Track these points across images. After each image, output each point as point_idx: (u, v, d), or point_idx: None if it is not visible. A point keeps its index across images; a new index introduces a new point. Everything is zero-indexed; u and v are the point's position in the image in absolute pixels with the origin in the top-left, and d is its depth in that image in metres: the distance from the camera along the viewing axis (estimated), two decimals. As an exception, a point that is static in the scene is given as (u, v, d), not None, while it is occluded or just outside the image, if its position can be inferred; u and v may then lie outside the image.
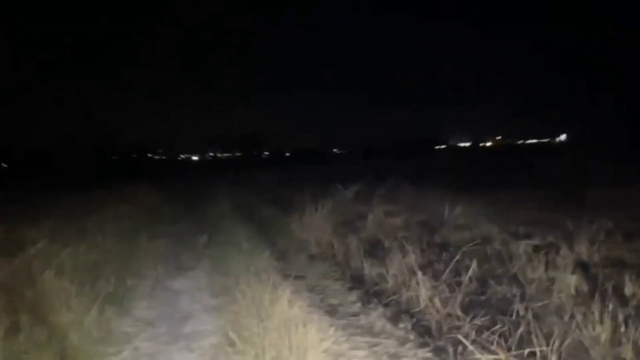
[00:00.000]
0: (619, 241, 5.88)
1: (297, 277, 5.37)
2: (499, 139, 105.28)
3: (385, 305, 4.47)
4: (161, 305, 5.05)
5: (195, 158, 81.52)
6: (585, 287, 4.17)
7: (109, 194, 15.26)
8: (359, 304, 4.63)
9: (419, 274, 4.48)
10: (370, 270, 5.13)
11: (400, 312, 4.28)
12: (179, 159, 77.79)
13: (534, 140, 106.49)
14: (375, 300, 4.64)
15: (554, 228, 6.75)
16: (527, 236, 6.42)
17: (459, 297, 4.04)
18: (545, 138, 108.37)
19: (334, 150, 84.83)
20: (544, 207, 8.85)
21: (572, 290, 4.09)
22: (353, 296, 4.88)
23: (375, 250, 6.09)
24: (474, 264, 4.53)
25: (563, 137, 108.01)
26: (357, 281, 5.27)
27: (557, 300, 3.87)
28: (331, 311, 4.47)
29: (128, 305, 4.93)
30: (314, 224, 7.81)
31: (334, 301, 4.79)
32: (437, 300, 4.06)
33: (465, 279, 4.35)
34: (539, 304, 3.79)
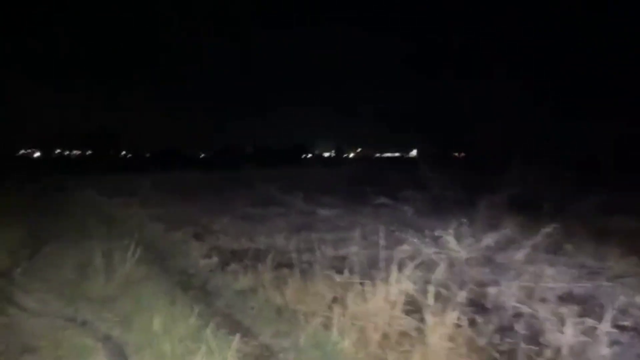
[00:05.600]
0: None
1: None
2: (359, 151, 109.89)
3: None
4: None
5: (37, 154, 68.60)
6: None
7: None
8: None
9: None
10: None
11: None
12: (19, 154, 65.01)
13: (389, 154, 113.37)
14: None
15: None
16: None
17: None
18: (396, 152, 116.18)
19: (201, 153, 78.83)
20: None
21: None
22: None
23: None
24: None
25: (414, 152, 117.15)
26: None
27: None
28: None
29: None
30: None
31: None
32: None
33: None
34: None
